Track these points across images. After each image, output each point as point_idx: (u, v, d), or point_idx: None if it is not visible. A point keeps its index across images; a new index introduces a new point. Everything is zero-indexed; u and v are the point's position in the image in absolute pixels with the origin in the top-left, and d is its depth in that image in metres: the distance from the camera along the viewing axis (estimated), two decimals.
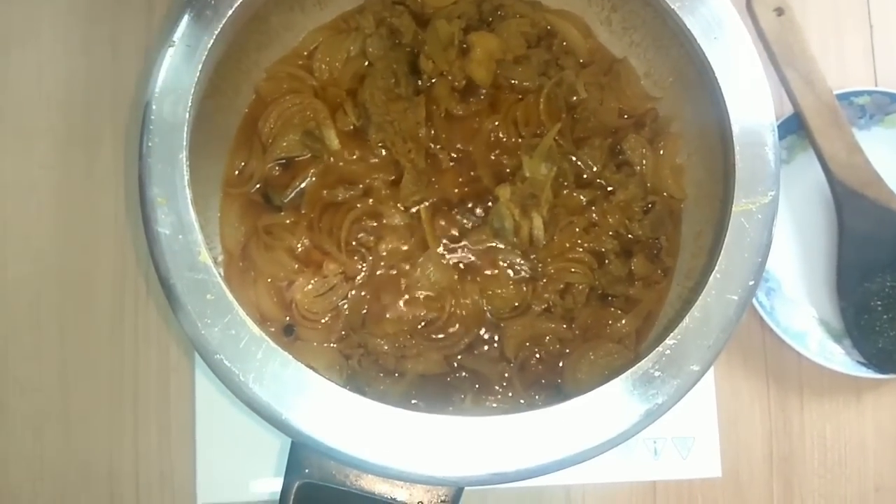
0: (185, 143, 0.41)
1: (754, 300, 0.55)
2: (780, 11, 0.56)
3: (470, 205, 0.53)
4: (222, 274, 0.49)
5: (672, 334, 0.40)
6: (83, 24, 0.59)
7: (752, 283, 0.41)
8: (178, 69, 0.42)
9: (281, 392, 0.39)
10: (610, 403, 0.40)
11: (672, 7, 0.44)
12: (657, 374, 0.40)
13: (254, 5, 0.47)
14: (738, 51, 0.45)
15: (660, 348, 0.40)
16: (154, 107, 0.42)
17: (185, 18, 0.43)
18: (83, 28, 0.59)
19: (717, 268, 0.41)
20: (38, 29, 0.59)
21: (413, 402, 0.50)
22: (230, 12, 0.45)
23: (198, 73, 0.42)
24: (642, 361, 0.40)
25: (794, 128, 0.57)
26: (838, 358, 0.56)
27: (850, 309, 0.56)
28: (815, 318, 0.58)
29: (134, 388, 0.55)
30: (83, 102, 0.59)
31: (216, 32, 0.43)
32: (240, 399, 0.39)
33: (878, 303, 0.56)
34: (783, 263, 0.58)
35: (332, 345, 0.51)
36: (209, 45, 0.43)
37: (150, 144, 0.41)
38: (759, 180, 0.43)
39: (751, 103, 0.44)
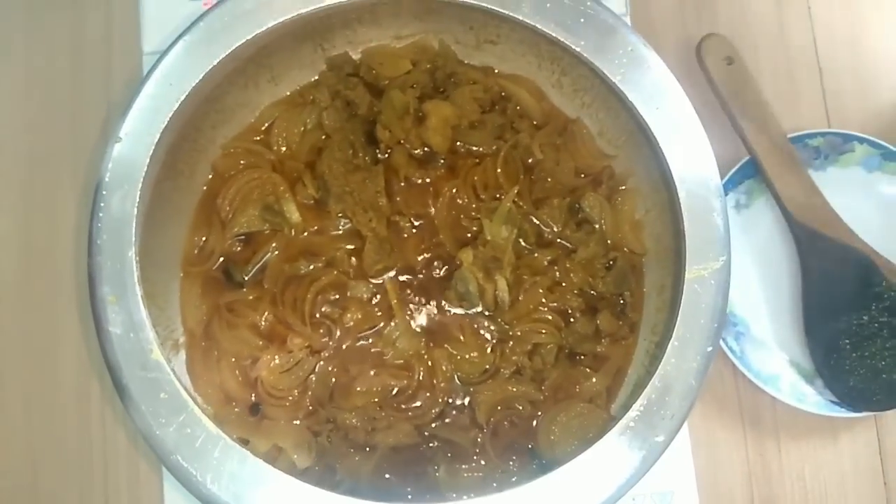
0: (133, 240, 0.41)
1: (724, 346, 0.55)
2: (729, 60, 0.57)
3: (434, 271, 0.53)
4: (185, 356, 0.49)
5: (634, 405, 0.40)
6: (41, 89, 0.58)
7: (710, 349, 0.41)
8: (125, 163, 0.42)
9: (240, 490, 0.38)
10: (583, 476, 0.39)
11: (613, 80, 0.45)
12: (625, 446, 0.39)
13: (207, 89, 0.47)
14: (681, 120, 0.45)
15: (624, 421, 0.40)
16: (102, 204, 0.41)
17: (134, 111, 0.43)
18: (41, 94, 0.58)
19: (673, 335, 0.41)
20: None
21: (386, 476, 0.50)
22: (182, 98, 0.45)
23: (146, 167, 0.42)
24: (609, 434, 0.40)
25: (752, 172, 0.57)
26: (811, 399, 0.56)
27: (818, 349, 0.56)
28: (786, 360, 0.58)
29: (104, 471, 0.54)
30: (42, 179, 0.58)
31: (165, 122, 0.43)
32: (198, 499, 0.38)
33: (846, 342, 0.56)
34: (750, 307, 0.58)
35: (299, 422, 0.51)
36: (157, 137, 0.43)
37: (98, 242, 0.41)
38: (710, 246, 0.43)
39: (696, 171, 0.45)
